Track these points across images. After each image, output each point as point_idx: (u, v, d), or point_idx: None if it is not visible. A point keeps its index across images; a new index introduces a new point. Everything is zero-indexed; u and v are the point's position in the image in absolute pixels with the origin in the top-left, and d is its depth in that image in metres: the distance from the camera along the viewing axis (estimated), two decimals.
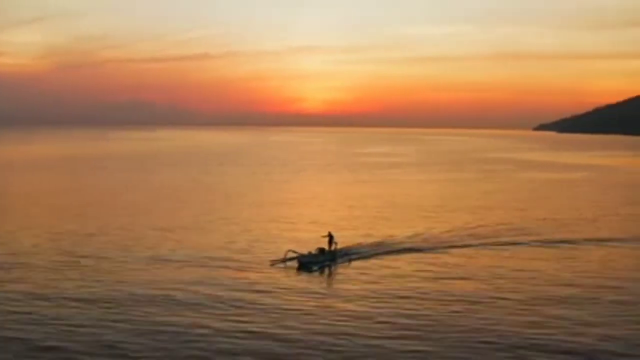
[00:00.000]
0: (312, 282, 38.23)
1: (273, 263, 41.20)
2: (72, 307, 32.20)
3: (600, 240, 51.49)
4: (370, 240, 49.89)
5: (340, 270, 40.94)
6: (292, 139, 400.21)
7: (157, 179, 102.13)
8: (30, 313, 31.14)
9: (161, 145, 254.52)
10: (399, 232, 54.18)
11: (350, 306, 32.74)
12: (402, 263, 42.74)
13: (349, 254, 43.95)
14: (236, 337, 28.17)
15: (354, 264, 42.40)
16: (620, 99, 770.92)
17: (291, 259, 41.50)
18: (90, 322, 29.92)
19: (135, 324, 29.68)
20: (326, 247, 43.13)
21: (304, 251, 42.57)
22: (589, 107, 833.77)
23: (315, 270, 40.27)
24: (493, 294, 35.42)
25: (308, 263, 40.80)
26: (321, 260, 41.54)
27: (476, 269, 41.38)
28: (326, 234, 44.43)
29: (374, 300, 33.88)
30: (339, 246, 43.97)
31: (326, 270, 40.54)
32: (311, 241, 46.92)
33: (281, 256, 41.92)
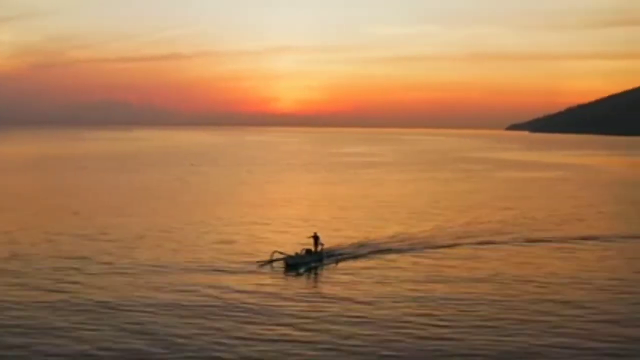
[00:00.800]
0: (299, 284, 37.60)
1: (260, 264, 40.71)
2: (48, 311, 31.45)
3: (587, 239, 52.29)
4: (356, 240, 49.54)
5: (327, 271, 40.37)
6: (268, 139, 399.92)
7: (140, 179, 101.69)
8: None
9: (140, 145, 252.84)
10: (385, 232, 54.08)
11: (337, 309, 32.13)
12: (389, 264, 42.38)
13: (335, 255, 43.62)
14: (223, 341, 27.44)
15: (341, 265, 41.96)
16: (592, 99, 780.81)
17: (278, 260, 41.17)
18: (69, 326, 29.27)
19: (116, 330, 28.90)
20: (312, 248, 42.70)
21: (290, 252, 42.09)
22: (561, 107, 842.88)
23: (303, 272, 39.58)
24: (485, 295, 35.28)
25: (295, 264, 40.27)
26: (308, 261, 41.01)
27: (466, 269, 41.39)
28: (312, 234, 43.95)
29: (363, 303, 33.15)
30: (325, 247, 43.54)
31: (313, 272, 39.95)
32: (297, 242, 46.54)
33: (268, 258, 41.47)
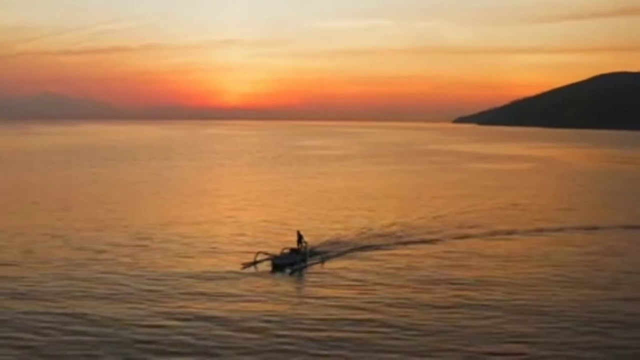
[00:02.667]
0: (287, 284, 35.66)
1: (245, 266, 38.54)
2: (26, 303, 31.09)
3: (584, 229, 53.25)
4: (342, 237, 48.07)
5: (314, 270, 38.44)
6: (222, 132, 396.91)
7: (114, 174, 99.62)
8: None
9: (94, 140, 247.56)
10: (375, 225, 53.03)
11: (328, 310, 30.61)
12: (378, 261, 40.78)
13: (321, 253, 41.85)
14: (211, 349, 25.72)
15: (329, 263, 40.18)
16: (537, 92, 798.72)
17: (262, 260, 39.39)
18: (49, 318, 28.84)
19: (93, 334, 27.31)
20: (295, 247, 41.13)
21: (275, 252, 40.50)
22: (507, 100, 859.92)
23: (291, 272, 37.77)
24: (493, 287, 34.81)
25: (282, 265, 38.53)
26: (295, 261, 39.19)
27: (459, 262, 40.74)
28: (295, 233, 42.60)
29: (352, 303, 31.62)
30: (308, 245, 41.96)
31: (300, 272, 38.01)
32: (282, 240, 44.91)
33: (252, 259, 39.46)
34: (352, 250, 43.49)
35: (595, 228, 53.30)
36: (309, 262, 39.65)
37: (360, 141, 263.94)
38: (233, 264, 39.08)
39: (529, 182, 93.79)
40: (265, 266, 38.81)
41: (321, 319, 29.11)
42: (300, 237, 41.56)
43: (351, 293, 33.33)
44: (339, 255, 42.07)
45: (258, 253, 39.99)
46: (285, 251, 40.34)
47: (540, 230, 51.65)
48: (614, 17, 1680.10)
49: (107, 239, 46.55)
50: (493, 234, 50.25)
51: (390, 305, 31.24)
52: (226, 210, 62.70)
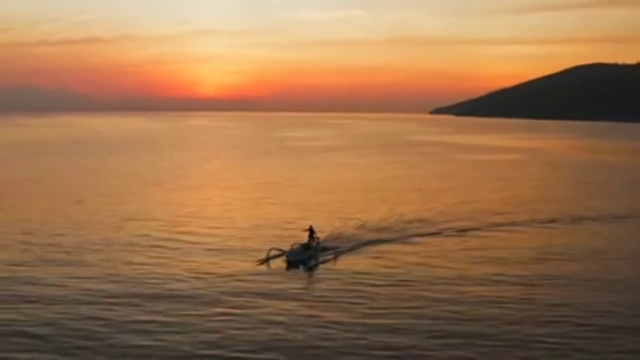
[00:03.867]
0: (305, 283, 34.68)
1: (259, 263, 37.30)
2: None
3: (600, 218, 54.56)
4: (349, 230, 47.08)
5: (329, 267, 37.32)
6: (204, 123, 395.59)
7: (110, 165, 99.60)
8: None
9: (77, 132, 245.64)
10: (379, 219, 52.23)
11: (349, 310, 29.24)
12: (391, 256, 39.72)
13: (330, 248, 40.60)
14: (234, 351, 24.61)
15: (340, 259, 39.01)
16: (513, 83, 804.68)
17: (275, 257, 38.19)
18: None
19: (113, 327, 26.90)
20: (307, 241, 39.92)
21: (286, 247, 39.34)
22: (483, 92, 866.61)
23: (308, 269, 36.81)
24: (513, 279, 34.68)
25: (296, 261, 37.34)
26: (308, 257, 38.15)
27: (468, 255, 40.28)
28: (307, 227, 41.15)
29: (370, 303, 30.40)
30: (319, 240, 40.86)
31: (316, 269, 36.88)
32: (293, 234, 43.56)
33: (265, 255, 38.16)
34: (363, 244, 42.45)
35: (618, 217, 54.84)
36: (323, 259, 38.37)
37: (343, 132, 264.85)
38: (247, 261, 37.67)
39: (524, 173, 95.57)
40: (279, 263, 37.53)
41: (341, 321, 27.78)
42: (312, 232, 40.41)
43: (369, 291, 32.01)
44: (351, 250, 40.93)
45: (271, 249, 38.59)
46: (295, 246, 39.21)
47: (554, 221, 52.69)
48: (591, 9, 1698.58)
49: (120, 235, 45.41)
50: (513, 224, 50.98)
51: (409, 305, 30.02)
52: (232, 203, 62.00)
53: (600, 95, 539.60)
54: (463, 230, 47.89)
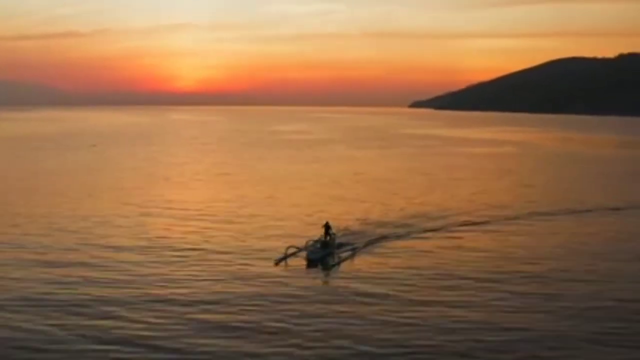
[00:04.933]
0: (329, 282, 33.21)
1: (277, 262, 35.72)
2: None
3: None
4: (364, 225, 46.14)
5: (349, 265, 35.96)
6: (186, 117, 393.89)
7: (109, 159, 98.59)
8: None
9: (63, 126, 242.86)
10: (393, 213, 51.62)
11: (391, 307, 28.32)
12: (410, 250, 39.02)
13: (346, 245, 39.50)
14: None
15: (361, 255, 37.88)
16: (491, 77, 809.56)
17: (294, 254, 36.90)
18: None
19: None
20: (323, 238, 38.66)
21: (301, 245, 38.28)
22: (462, 85, 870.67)
23: (330, 267, 35.37)
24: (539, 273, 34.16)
25: (316, 259, 36.09)
26: (327, 255, 36.99)
27: (478, 250, 39.45)
28: (323, 224, 39.84)
29: (396, 300, 29.45)
30: (335, 237, 39.61)
31: (338, 266, 35.50)
32: (306, 231, 42.95)
33: (282, 253, 36.73)
34: (379, 239, 41.54)
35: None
36: (343, 256, 37.03)
37: (331, 126, 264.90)
38: (264, 260, 36.04)
39: (525, 166, 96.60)
40: (297, 261, 36.14)
41: (377, 320, 26.71)
42: (328, 228, 39.10)
43: (392, 288, 30.93)
44: (368, 246, 39.78)
45: (289, 247, 37.21)
46: (310, 243, 38.32)
47: (573, 212, 53.35)
48: (570, 2, 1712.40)
49: (139, 232, 43.86)
50: (532, 215, 51.27)
51: (435, 301, 29.17)
52: (243, 198, 59.91)
53: (579, 89, 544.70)
54: (481, 224, 47.57)
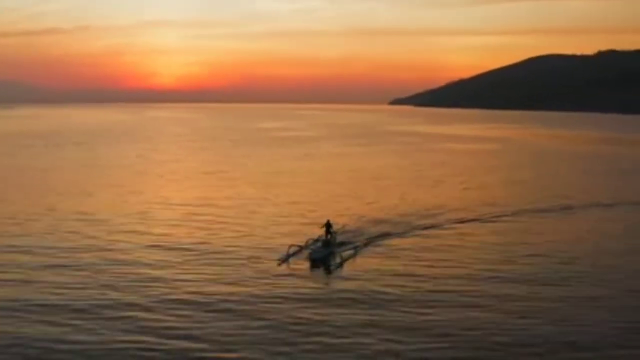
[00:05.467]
0: (335, 283, 32.30)
1: (280, 263, 35.04)
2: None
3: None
4: (359, 222, 45.96)
5: (352, 263, 35.42)
6: (169, 115, 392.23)
7: (101, 157, 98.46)
8: None
9: (48, 123, 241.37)
10: (391, 210, 51.73)
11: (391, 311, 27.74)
12: (412, 248, 38.88)
13: (347, 243, 38.93)
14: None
15: (363, 253, 37.55)
16: (471, 74, 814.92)
17: (296, 253, 36.40)
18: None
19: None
20: (324, 237, 38.32)
21: (303, 243, 38.04)
22: (442, 82, 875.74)
23: (335, 267, 34.64)
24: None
25: (320, 259, 35.51)
26: (329, 254, 36.34)
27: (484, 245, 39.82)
28: (323, 222, 39.37)
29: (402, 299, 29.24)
30: (336, 235, 39.20)
31: (341, 267, 34.70)
32: (306, 227, 43.18)
33: (285, 253, 36.22)
34: (379, 237, 41.30)
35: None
36: (345, 255, 36.30)
37: (315, 123, 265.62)
38: (268, 261, 35.36)
39: (511, 161, 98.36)
40: (301, 261, 35.54)
41: (376, 321, 26.49)
42: (329, 227, 38.61)
43: (397, 288, 30.69)
44: (368, 244, 39.40)
45: (290, 246, 36.81)
46: (310, 242, 38.07)
47: (568, 208, 54.59)
48: (547, 0, 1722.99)
49: (130, 232, 43.16)
50: (540, 210, 52.65)
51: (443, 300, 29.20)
52: (240, 196, 59.56)
53: (559, 85, 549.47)
54: (479, 220, 48.16)
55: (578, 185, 70.16)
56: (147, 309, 27.56)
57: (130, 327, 25.57)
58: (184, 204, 54.93)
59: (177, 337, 24.58)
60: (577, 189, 67.16)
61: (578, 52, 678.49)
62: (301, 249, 37.06)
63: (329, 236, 38.14)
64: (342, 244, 38.62)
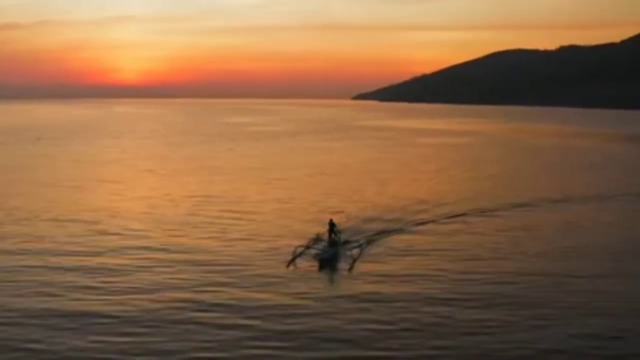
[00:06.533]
0: (349, 285, 30.99)
1: (289, 264, 33.88)
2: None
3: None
4: (360, 219, 45.37)
5: (361, 263, 34.46)
6: (136, 110, 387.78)
7: (82, 153, 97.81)
8: None
9: (13, 119, 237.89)
10: (390, 204, 51.84)
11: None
12: (414, 245, 38.61)
13: (352, 242, 37.98)
14: None
15: (368, 251, 36.79)
16: (435, 69, 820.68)
17: (301, 254, 35.24)
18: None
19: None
20: (327, 236, 37.35)
21: (312, 245, 36.80)
22: (405, 77, 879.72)
23: (347, 269, 33.44)
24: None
25: (327, 259, 34.55)
26: (337, 254, 35.53)
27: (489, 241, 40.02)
28: (327, 221, 38.55)
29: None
30: (337, 235, 37.75)
31: (353, 267, 33.66)
32: (306, 226, 42.52)
33: (292, 254, 35.09)
34: (381, 234, 40.78)
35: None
36: (354, 254, 35.46)
37: (284, 118, 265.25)
38: (275, 264, 34.00)
39: (489, 155, 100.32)
40: (309, 262, 34.41)
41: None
42: (332, 227, 37.57)
43: (409, 287, 30.34)
44: (372, 242, 38.71)
45: (297, 247, 35.74)
46: (314, 241, 37.16)
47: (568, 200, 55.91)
48: None
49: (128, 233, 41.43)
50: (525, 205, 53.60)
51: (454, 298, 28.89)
52: (233, 192, 58.74)
53: (522, 80, 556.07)
54: (476, 214, 48.54)
55: (572, 178, 71.73)
56: (150, 317, 26.20)
57: (132, 333, 24.67)
58: (183, 202, 54.12)
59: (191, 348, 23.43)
60: (574, 181, 68.83)
61: (540, 47, 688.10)
62: (307, 247, 36.03)
63: (332, 235, 37.14)
64: (346, 242, 37.73)
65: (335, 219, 39.49)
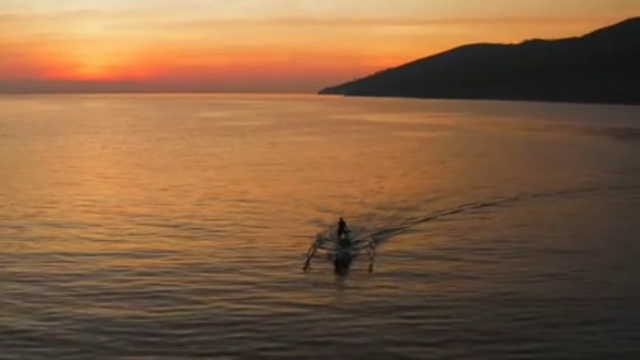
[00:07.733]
0: (373, 289, 29.07)
1: (305, 267, 32.14)
2: None
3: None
4: (360, 216, 44.07)
5: (379, 262, 32.92)
6: (104, 105, 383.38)
7: (66, 148, 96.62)
8: None
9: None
10: (391, 200, 50.95)
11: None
12: (423, 238, 38.39)
13: (361, 241, 36.58)
14: None
15: (379, 250, 35.29)
16: (401, 63, 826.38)
17: (313, 254, 33.43)
18: None
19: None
20: (335, 236, 36.16)
21: (324, 244, 35.02)
22: (371, 72, 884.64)
23: (367, 270, 31.76)
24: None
25: (343, 260, 33.03)
26: (352, 254, 33.99)
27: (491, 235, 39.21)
28: (337, 220, 37.54)
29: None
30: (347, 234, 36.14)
31: (373, 267, 32.09)
32: (310, 224, 41.39)
33: (305, 257, 33.20)
34: (384, 231, 39.66)
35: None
36: (370, 254, 33.83)
37: (259, 112, 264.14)
38: (291, 267, 32.26)
39: (473, 149, 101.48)
40: (324, 264, 32.69)
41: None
42: (342, 226, 36.35)
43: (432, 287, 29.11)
44: (378, 241, 37.15)
45: (310, 248, 34.00)
46: (324, 240, 35.55)
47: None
48: None
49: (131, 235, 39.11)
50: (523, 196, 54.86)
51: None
52: (228, 188, 57.35)
53: (487, 74, 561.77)
54: (475, 206, 48.51)
55: (565, 170, 73.10)
56: (154, 328, 24.32)
57: (142, 343, 22.99)
58: (183, 198, 52.39)
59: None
60: (568, 173, 70.10)
61: (505, 42, 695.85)
62: (317, 246, 34.31)
63: (342, 235, 35.56)
64: (357, 241, 36.09)
65: (341, 217, 38.31)
